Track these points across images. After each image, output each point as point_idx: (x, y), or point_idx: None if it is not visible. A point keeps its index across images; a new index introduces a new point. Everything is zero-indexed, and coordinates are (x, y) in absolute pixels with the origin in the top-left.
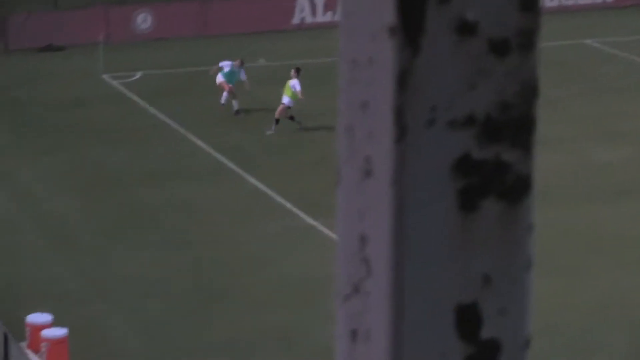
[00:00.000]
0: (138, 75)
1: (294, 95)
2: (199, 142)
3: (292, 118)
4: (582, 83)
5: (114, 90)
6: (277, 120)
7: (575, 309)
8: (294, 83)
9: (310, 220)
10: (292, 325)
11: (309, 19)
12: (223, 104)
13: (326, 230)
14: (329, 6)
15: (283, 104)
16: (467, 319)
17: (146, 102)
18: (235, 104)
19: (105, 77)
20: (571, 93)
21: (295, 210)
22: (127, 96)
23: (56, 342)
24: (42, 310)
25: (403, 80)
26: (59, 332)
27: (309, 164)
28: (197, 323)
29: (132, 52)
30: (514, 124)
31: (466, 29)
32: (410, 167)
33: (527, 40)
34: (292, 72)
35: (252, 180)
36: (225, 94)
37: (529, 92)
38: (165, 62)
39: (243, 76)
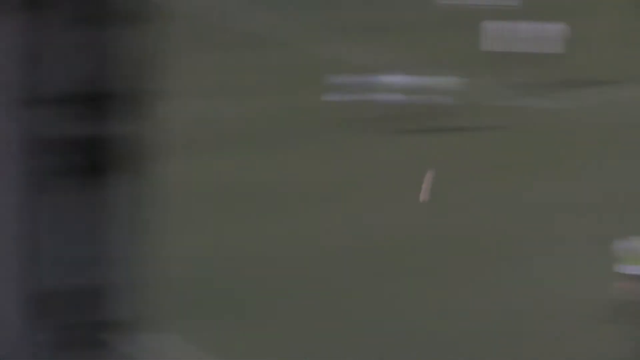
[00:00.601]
0: None
1: None
2: None
3: None
4: (205, 37)
5: None
6: None
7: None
8: None
9: None
10: None
11: None
12: None
13: None
14: None
15: None
16: (46, 305)
17: None
18: None
19: None
20: (193, 48)
21: None
22: None
23: None
24: None
25: None
26: None
27: None
28: None
29: None
30: (111, 98)
31: (36, 3)
32: None
33: (126, 13)
34: None
35: None
36: None
37: (132, 65)
38: None
39: None
